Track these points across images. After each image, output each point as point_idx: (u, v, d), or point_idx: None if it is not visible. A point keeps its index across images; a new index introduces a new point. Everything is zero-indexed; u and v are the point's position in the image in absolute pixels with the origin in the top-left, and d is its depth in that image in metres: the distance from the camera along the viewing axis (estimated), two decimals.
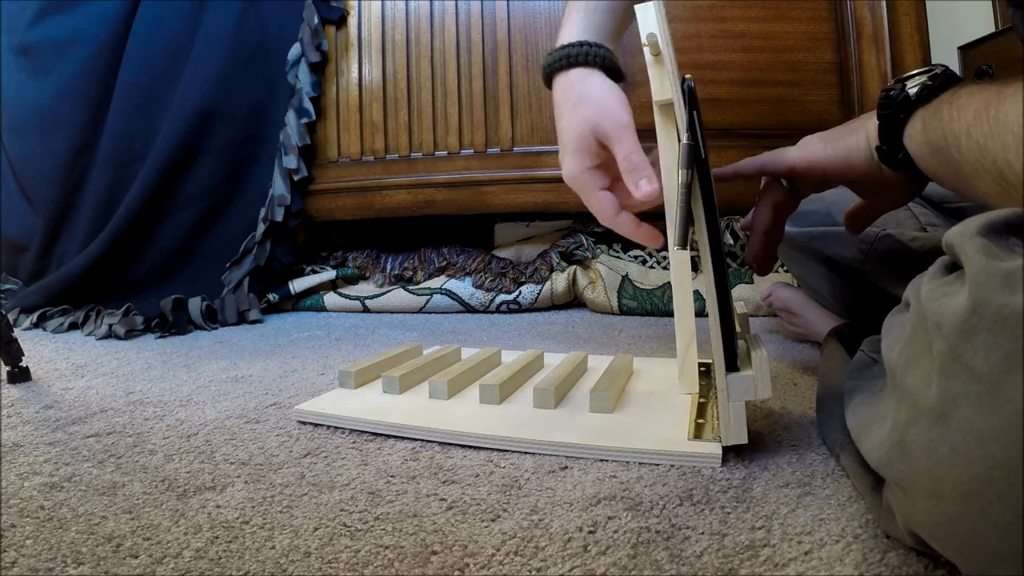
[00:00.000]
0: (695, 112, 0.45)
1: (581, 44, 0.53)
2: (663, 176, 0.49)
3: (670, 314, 0.89)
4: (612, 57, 0.54)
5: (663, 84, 0.47)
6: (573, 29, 0.56)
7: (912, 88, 0.40)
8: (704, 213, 0.44)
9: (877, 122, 0.43)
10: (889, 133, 0.42)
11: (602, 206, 0.51)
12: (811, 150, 0.50)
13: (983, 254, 0.24)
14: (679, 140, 0.44)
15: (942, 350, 0.24)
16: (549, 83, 0.56)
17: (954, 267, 0.27)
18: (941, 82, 0.40)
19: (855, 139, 0.47)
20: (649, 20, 0.47)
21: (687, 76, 0.46)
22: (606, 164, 0.52)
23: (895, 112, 0.41)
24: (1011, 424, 0.22)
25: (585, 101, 0.51)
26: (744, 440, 0.44)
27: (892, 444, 0.28)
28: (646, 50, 0.47)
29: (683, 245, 0.43)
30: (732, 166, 0.54)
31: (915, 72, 0.42)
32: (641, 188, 0.48)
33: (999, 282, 0.23)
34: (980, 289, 0.23)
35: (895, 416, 0.28)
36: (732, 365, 0.44)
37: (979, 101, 0.33)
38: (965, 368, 0.23)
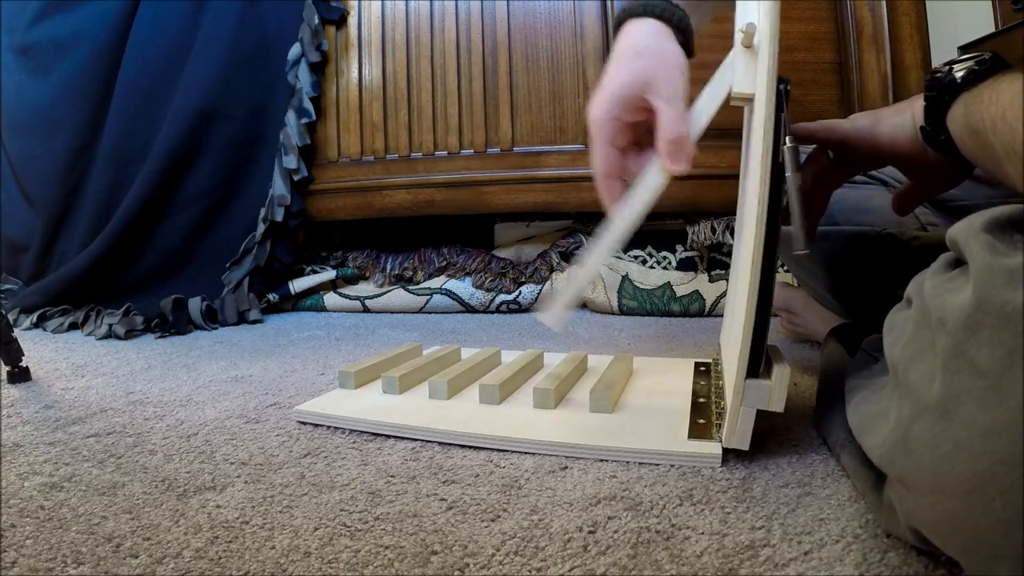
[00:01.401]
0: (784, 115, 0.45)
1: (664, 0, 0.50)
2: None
3: (670, 314, 0.90)
4: (690, 26, 0.50)
5: (747, 76, 0.45)
6: None
7: (959, 72, 0.41)
8: (766, 213, 0.42)
9: (923, 103, 0.44)
10: (933, 114, 0.42)
11: (604, 161, 0.48)
12: (861, 124, 0.50)
13: (987, 250, 0.24)
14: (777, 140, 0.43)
15: (946, 346, 0.24)
16: (617, 32, 0.51)
17: (957, 263, 0.27)
18: (988, 67, 0.40)
19: (901, 118, 0.47)
20: (750, 11, 0.46)
21: (784, 77, 0.45)
22: (632, 126, 0.49)
23: (941, 94, 0.41)
24: (1015, 420, 0.22)
25: (650, 54, 0.48)
26: (745, 447, 0.44)
27: (895, 441, 0.28)
28: (738, 38, 0.45)
29: (807, 247, 0.43)
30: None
31: (964, 56, 0.42)
32: (678, 164, 0.46)
33: (1003, 279, 0.23)
34: (984, 286, 0.23)
35: (898, 413, 0.28)
36: (754, 370, 0.43)
37: (1019, 85, 0.33)
38: (969, 364, 0.23)
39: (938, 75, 0.42)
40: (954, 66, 0.41)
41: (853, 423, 0.37)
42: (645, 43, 0.48)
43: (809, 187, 0.52)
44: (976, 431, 0.23)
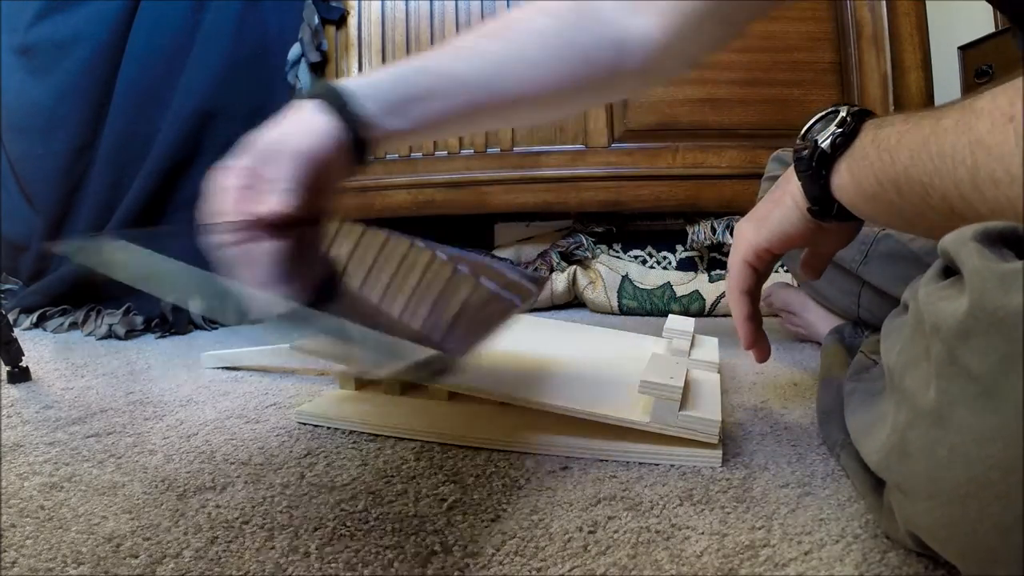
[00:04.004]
0: None
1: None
2: None
3: (670, 314, 0.90)
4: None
5: None
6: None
7: (824, 141, 0.39)
8: None
9: (799, 183, 0.42)
10: (816, 192, 0.41)
11: None
12: (749, 240, 0.48)
13: (978, 256, 0.24)
14: None
15: (940, 353, 0.24)
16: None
17: (950, 272, 0.27)
18: (852, 126, 0.38)
19: (783, 210, 0.45)
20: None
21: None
22: None
23: (816, 169, 0.40)
24: (1009, 426, 0.22)
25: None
26: (717, 417, 0.46)
27: (891, 447, 0.28)
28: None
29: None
30: (745, 327, 0.51)
31: (816, 120, 0.40)
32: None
33: (996, 283, 0.23)
34: (977, 291, 0.23)
35: (894, 419, 0.28)
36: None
37: (912, 140, 0.32)
38: (962, 371, 0.23)
39: (802, 152, 0.40)
40: (815, 136, 0.39)
41: (851, 428, 0.37)
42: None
43: (750, 308, 0.50)
44: (970, 437, 0.23)
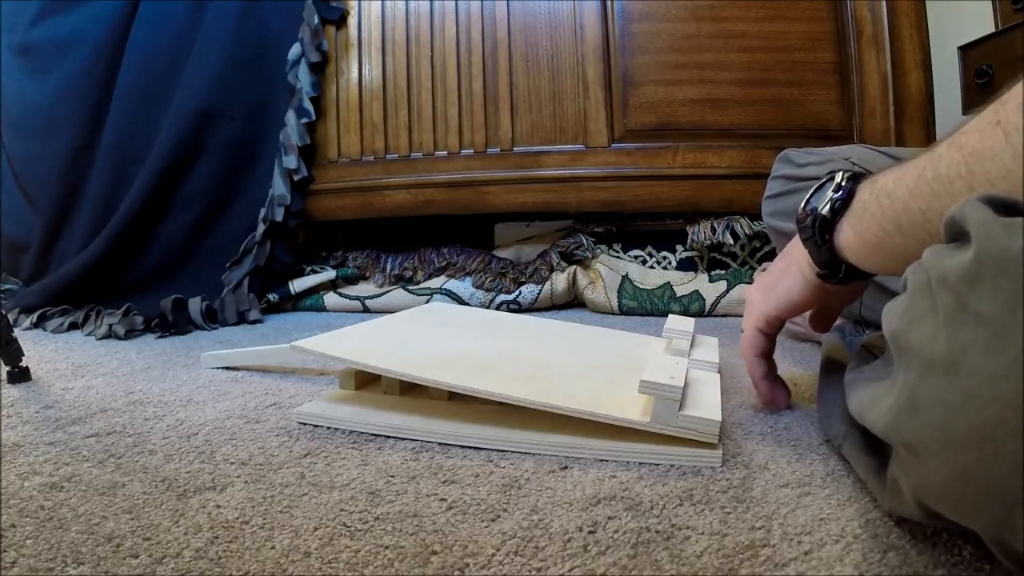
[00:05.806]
0: None
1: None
2: None
3: (670, 314, 0.91)
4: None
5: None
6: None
7: (824, 208, 0.41)
8: None
9: (804, 250, 0.44)
10: (823, 257, 0.43)
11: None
12: (759, 309, 0.52)
13: (984, 211, 0.25)
14: None
15: (948, 303, 0.25)
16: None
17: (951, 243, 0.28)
18: (847, 191, 0.40)
19: (790, 279, 0.48)
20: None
21: None
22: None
23: (819, 235, 0.42)
24: (1020, 363, 0.22)
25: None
26: (717, 417, 0.45)
27: (900, 406, 0.28)
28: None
29: None
30: (762, 385, 0.55)
31: (815, 190, 0.42)
32: None
33: (1000, 230, 0.23)
34: (983, 239, 0.24)
35: (903, 380, 0.28)
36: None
37: (909, 176, 0.34)
38: (972, 316, 0.24)
39: (805, 221, 0.43)
40: (816, 205, 0.42)
41: (853, 407, 0.37)
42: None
43: (766, 368, 0.54)
44: (983, 379, 0.23)
